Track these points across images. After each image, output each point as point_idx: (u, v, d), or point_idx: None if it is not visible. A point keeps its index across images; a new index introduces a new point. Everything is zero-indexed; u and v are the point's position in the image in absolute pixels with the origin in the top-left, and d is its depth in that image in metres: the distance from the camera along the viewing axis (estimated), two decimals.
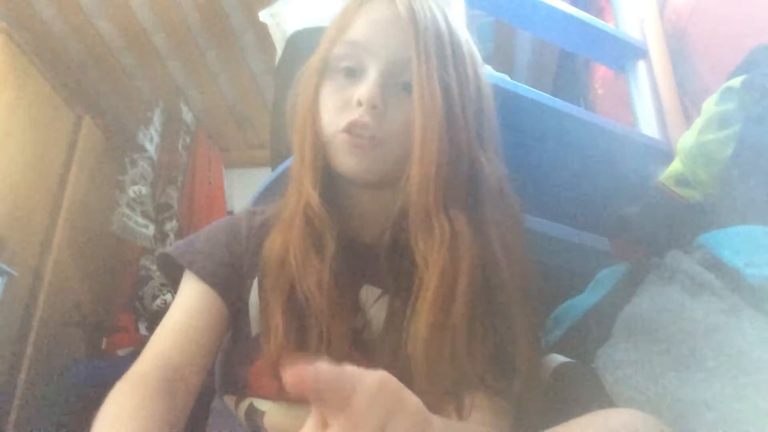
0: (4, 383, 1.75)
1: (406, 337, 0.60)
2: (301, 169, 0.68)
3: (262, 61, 2.30)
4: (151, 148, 2.34)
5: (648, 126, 1.15)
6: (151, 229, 2.21)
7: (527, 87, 1.00)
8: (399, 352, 0.60)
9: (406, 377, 0.58)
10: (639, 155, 1.06)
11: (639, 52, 1.22)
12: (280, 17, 1.62)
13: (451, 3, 1.02)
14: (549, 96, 1.02)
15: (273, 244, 0.67)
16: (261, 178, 1.23)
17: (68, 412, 1.88)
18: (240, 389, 0.67)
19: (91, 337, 2.12)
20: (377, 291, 0.67)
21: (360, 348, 0.64)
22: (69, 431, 1.82)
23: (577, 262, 0.97)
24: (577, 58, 1.68)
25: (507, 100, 0.95)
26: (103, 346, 2.09)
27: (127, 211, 2.17)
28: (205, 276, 0.67)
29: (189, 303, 0.67)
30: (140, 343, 2.02)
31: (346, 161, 0.66)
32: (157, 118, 2.41)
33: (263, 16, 1.67)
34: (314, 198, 0.65)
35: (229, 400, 0.68)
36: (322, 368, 0.33)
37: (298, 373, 0.33)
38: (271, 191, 0.99)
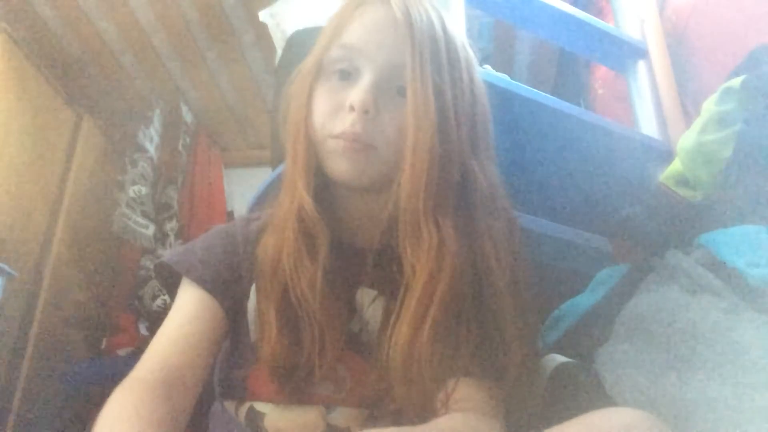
0: (4, 383, 1.75)
1: (392, 341, 0.60)
2: (294, 172, 0.68)
3: (262, 61, 2.30)
4: (151, 148, 2.34)
5: (648, 126, 1.15)
6: (151, 229, 2.21)
7: (527, 87, 1.00)
8: None
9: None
10: (639, 155, 1.06)
11: (639, 52, 1.22)
12: (280, 17, 1.62)
13: (451, 3, 1.02)
14: (549, 96, 1.02)
15: (266, 247, 0.67)
16: (261, 178, 1.23)
17: (68, 412, 1.88)
18: (240, 393, 0.67)
19: (91, 337, 2.12)
20: (373, 293, 0.67)
21: (358, 350, 0.65)
22: (69, 431, 1.82)
23: (577, 262, 0.97)
24: (577, 58, 1.67)
25: (507, 100, 0.95)
26: (103, 346, 2.09)
27: (127, 211, 2.17)
28: (202, 282, 0.68)
29: (187, 309, 0.67)
30: (140, 343, 2.02)
31: (338, 165, 0.66)
32: (157, 118, 2.41)
33: (263, 16, 1.67)
34: (307, 201, 0.65)
35: (229, 405, 0.68)
36: None
37: None
38: (271, 191, 0.99)
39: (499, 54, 1.97)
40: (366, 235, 0.69)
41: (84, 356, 2.08)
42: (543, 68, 1.93)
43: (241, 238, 0.72)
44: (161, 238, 2.24)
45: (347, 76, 0.67)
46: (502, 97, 0.94)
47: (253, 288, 0.69)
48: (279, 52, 1.57)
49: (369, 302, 0.67)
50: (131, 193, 2.21)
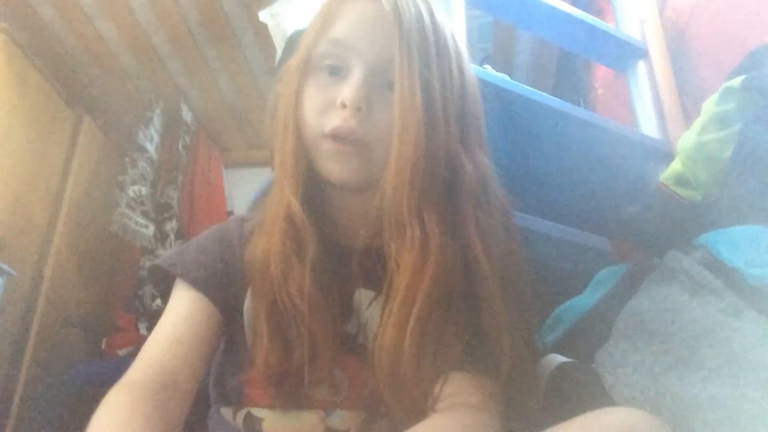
0: (4, 383, 1.75)
1: (378, 342, 0.59)
2: (283, 174, 0.66)
3: (262, 61, 2.30)
4: (151, 148, 2.34)
5: (648, 126, 1.15)
6: (151, 229, 2.21)
7: (527, 87, 1.00)
8: None
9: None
10: (639, 155, 1.06)
11: (639, 52, 1.22)
12: (280, 17, 1.62)
13: (451, 3, 1.02)
14: (549, 96, 1.02)
15: (255, 250, 0.66)
16: (261, 178, 1.22)
17: (68, 412, 1.88)
18: (237, 399, 0.66)
19: (91, 337, 2.12)
20: (371, 294, 0.66)
21: (355, 352, 0.64)
22: (69, 431, 1.82)
23: (577, 262, 0.97)
24: (577, 58, 1.67)
25: (507, 100, 0.95)
26: (103, 346, 2.10)
27: (127, 211, 2.17)
28: (196, 284, 0.66)
29: (181, 310, 0.66)
30: (140, 343, 2.01)
31: (330, 167, 0.65)
32: (157, 118, 2.42)
33: (263, 16, 1.67)
34: (294, 203, 0.64)
35: (226, 411, 0.67)
36: None
37: None
38: (271, 191, 0.99)
39: (499, 54, 1.97)
40: (360, 234, 0.68)
41: (84, 356, 2.08)
42: (543, 68, 1.94)
43: (236, 239, 0.71)
44: (161, 238, 2.24)
45: (337, 71, 0.66)
46: (502, 97, 0.94)
47: (250, 290, 0.68)
48: (279, 52, 1.57)
49: (367, 303, 0.66)
50: (131, 193, 2.21)
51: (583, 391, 0.64)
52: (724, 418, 0.49)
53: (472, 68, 0.73)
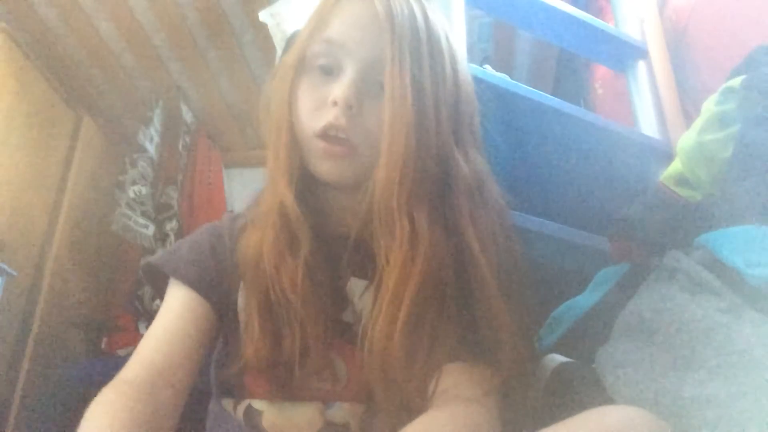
0: (4, 383, 1.75)
1: (368, 335, 0.60)
2: (276, 169, 0.68)
3: (262, 61, 2.30)
4: (151, 148, 2.34)
5: (648, 126, 1.15)
6: (151, 229, 2.21)
7: (527, 87, 1.00)
8: None
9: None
10: (639, 155, 1.06)
11: (639, 52, 1.22)
12: (280, 17, 1.62)
13: (451, 3, 1.02)
14: (549, 96, 1.02)
15: (248, 243, 0.67)
16: (261, 178, 1.22)
17: (68, 412, 1.88)
18: (237, 391, 0.67)
19: (91, 337, 2.12)
20: (363, 283, 0.67)
21: (353, 341, 0.64)
22: (69, 431, 1.82)
23: (577, 262, 0.97)
24: (577, 58, 1.67)
25: (507, 100, 0.95)
26: (103, 346, 2.10)
27: (127, 211, 2.17)
28: (189, 281, 0.67)
29: (175, 308, 0.67)
30: None
31: (321, 167, 0.66)
32: (157, 118, 2.41)
33: (263, 16, 1.67)
34: (288, 198, 0.65)
35: (227, 403, 0.67)
36: None
37: None
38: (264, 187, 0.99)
39: (499, 54, 1.97)
40: (351, 226, 0.68)
41: (84, 356, 2.08)
42: (543, 68, 1.93)
43: (228, 233, 0.72)
44: (161, 238, 2.24)
45: (329, 71, 0.67)
46: (502, 97, 0.94)
47: (242, 284, 0.68)
48: (279, 52, 1.57)
49: (360, 292, 0.66)
50: (131, 193, 2.21)
51: (583, 390, 0.64)
52: (724, 417, 0.49)
53: (469, 68, 0.73)
